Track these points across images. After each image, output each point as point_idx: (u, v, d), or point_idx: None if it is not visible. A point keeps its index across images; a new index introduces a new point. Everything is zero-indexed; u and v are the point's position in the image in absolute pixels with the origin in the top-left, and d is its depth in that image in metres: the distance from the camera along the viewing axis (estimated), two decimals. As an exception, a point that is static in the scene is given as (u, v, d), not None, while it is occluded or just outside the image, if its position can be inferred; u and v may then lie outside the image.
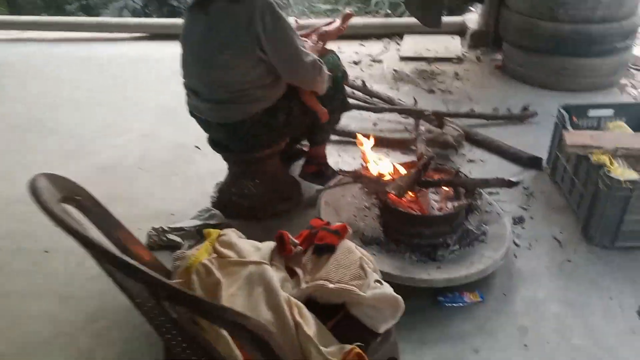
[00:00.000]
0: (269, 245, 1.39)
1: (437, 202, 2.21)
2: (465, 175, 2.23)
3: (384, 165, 2.19)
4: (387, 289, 1.27)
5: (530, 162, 2.72)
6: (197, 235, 2.34)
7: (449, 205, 2.16)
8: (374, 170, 2.17)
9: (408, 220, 2.04)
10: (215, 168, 2.45)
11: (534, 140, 2.90)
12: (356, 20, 4.73)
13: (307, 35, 2.45)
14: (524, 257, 2.14)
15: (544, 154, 2.72)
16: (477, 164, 2.78)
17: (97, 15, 11.65)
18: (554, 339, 1.75)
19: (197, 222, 2.39)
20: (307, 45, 2.42)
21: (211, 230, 1.41)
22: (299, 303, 1.23)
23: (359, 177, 2.15)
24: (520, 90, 3.57)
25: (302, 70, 2.09)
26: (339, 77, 2.41)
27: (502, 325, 1.81)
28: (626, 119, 2.55)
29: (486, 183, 2.10)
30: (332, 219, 2.19)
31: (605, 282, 1.98)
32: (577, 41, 3.30)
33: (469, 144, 2.96)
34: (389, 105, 3.32)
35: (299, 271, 1.34)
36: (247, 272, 1.28)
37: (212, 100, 2.15)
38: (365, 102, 3.36)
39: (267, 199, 2.47)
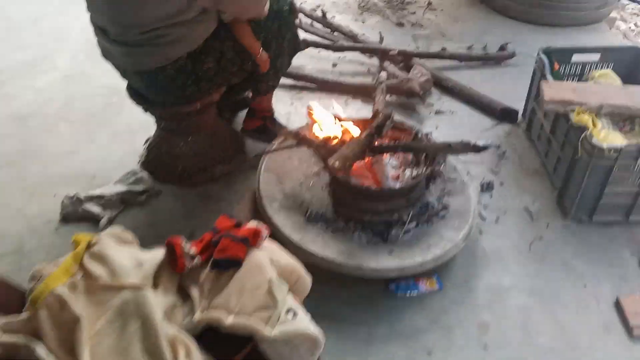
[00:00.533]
0: (156, 257, 1.09)
1: (394, 168, 1.92)
2: (426, 136, 1.93)
3: (332, 125, 1.86)
4: (302, 322, 0.99)
5: (503, 114, 2.42)
6: (119, 204, 2.04)
7: (407, 172, 1.88)
8: (320, 132, 1.85)
9: (358, 194, 1.76)
10: (151, 120, 2.09)
11: (511, 86, 2.59)
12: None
13: None
14: (490, 233, 1.89)
15: (520, 105, 2.42)
16: (445, 116, 2.47)
17: None
18: (517, 338, 1.54)
19: (121, 188, 2.07)
20: None
21: (79, 236, 1.09)
22: (188, 341, 0.96)
23: (302, 139, 1.82)
24: (500, 25, 3.19)
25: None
26: (286, 10, 1.99)
27: (460, 321, 1.59)
28: (614, 65, 2.24)
29: (449, 148, 1.79)
30: (274, 188, 1.90)
31: (579, 266, 1.76)
32: (564, -32, 2.90)
33: (439, 90, 2.62)
34: (351, 42, 2.92)
35: (195, 293, 1.05)
36: (120, 300, 0.98)
37: (123, 42, 1.75)
38: (324, 37, 2.95)
39: (203, 160, 2.14)
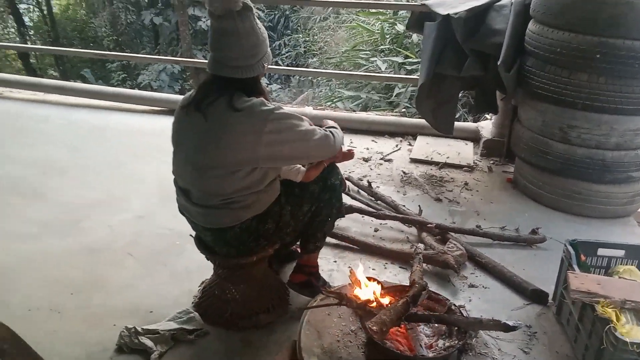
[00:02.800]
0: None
1: (428, 336, 2.06)
2: (460, 310, 2.09)
3: (372, 289, 2.06)
4: None
5: (534, 295, 2.55)
6: (170, 340, 2.21)
7: (440, 343, 2.01)
8: (360, 294, 2.04)
9: (392, 359, 1.88)
10: (206, 264, 2.34)
11: (541, 269, 2.75)
12: (370, 116, 4.77)
13: None
14: (520, 412, 1.94)
15: (550, 287, 2.56)
16: (478, 290, 2.63)
17: (137, 75, 12.15)
18: None
19: (173, 325, 2.26)
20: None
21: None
22: None
23: (344, 298, 2.01)
24: (531, 209, 3.45)
25: (319, 151, 2.14)
26: (337, 184, 2.35)
27: None
28: (638, 263, 2.41)
29: (480, 324, 1.95)
30: (314, 342, 2.05)
31: None
32: (589, 166, 3.21)
33: (472, 265, 2.81)
34: (393, 211, 3.23)
35: None
36: None
37: (202, 205, 2.09)
38: (368, 204, 3.27)
39: (250, 307, 2.34)
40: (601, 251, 2.43)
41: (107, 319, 2.32)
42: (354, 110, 6.07)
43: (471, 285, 2.65)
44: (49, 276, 2.59)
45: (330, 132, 2.19)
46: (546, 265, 2.75)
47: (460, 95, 5.91)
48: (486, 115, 4.74)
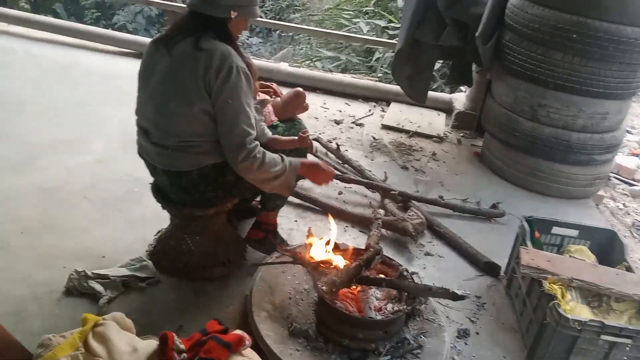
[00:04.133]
0: (150, 345, 1.23)
1: (378, 299, 2.08)
2: (411, 275, 2.11)
3: (326, 249, 2.06)
4: None
5: (487, 267, 2.60)
6: (121, 286, 2.18)
7: (389, 307, 2.04)
8: (315, 254, 2.03)
9: (340, 319, 1.90)
10: (163, 213, 2.30)
11: (497, 242, 2.80)
12: (345, 78, 4.69)
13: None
14: (460, 379, 2.00)
15: (503, 261, 2.62)
16: (433, 259, 2.66)
17: (112, 15, 11.64)
18: None
19: (125, 272, 2.23)
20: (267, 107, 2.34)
21: (89, 316, 1.24)
22: None
23: (298, 258, 2.01)
24: (494, 184, 3.49)
25: (229, 141, 1.95)
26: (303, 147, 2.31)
27: None
28: (590, 243, 2.47)
29: (429, 291, 1.97)
30: (265, 298, 2.05)
31: None
32: (554, 146, 3.24)
33: (430, 234, 2.85)
34: (358, 176, 3.22)
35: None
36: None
37: (160, 144, 2.03)
38: (335, 167, 3.25)
39: (205, 259, 2.32)
40: (555, 229, 2.48)
41: (56, 261, 2.27)
42: (331, 71, 5.99)
43: (427, 254, 2.69)
44: (1, 214, 2.50)
45: (262, 156, 1.96)
46: (502, 239, 2.80)
47: (438, 65, 5.90)
48: (461, 88, 4.72)
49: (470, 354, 2.12)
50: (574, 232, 2.47)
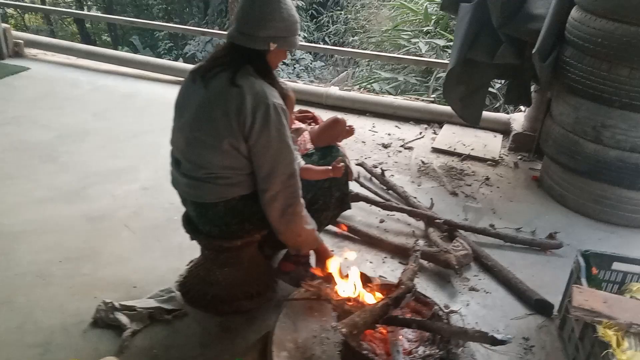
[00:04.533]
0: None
1: (410, 341, 1.93)
2: (447, 315, 1.94)
3: (353, 286, 1.94)
4: None
5: (538, 306, 2.37)
6: (146, 319, 2.16)
7: (421, 350, 1.88)
8: (340, 290, 1.92)
9: (363, 363, 1.77)
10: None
11: (552, 278, 2.54)
12: (396, 100, 4.57)
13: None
14: None
15: (558, 298, 2.37)
16: (479, 294, 2.46)
17: (184, 45, 12.22)
18: None
19: (152, 303, 2.22)
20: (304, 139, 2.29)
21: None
22: None
23: (322, 293, 1.91)
24: (554, 212, 3.22)
25: (285, 168, 1.94)
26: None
27: None
28: (658, 281, 2.19)
29: (465, 334, 1.80)
30: (288, 336, 1.95)
31: None
32: (621, 170, 2.94)
33: (477, 267, 2.64)
34: (403, 203, 3.07)
35: None
36: None
37: (189, 175, 2.03)
38: (377, 193, 3.12)
39: (233, 292, 2.27)
40: (616, 265, 2.22)
41: (90, 291, 2.31)
42: (389, 93, 5.88)
43: (472, 289, 2.49)
44: (44, 243, 2.60)
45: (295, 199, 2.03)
46: (558, 273, 2.54)
47: (499, 84, 5.63)
48: (521, 108, 4.45)
49: (512, 406, 1.91)
50: (638, 269, 2.19)
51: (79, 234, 2.70)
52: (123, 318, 2.13)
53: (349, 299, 1.90)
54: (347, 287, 1.94)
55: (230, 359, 1.98)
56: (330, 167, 2.13)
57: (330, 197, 2.27)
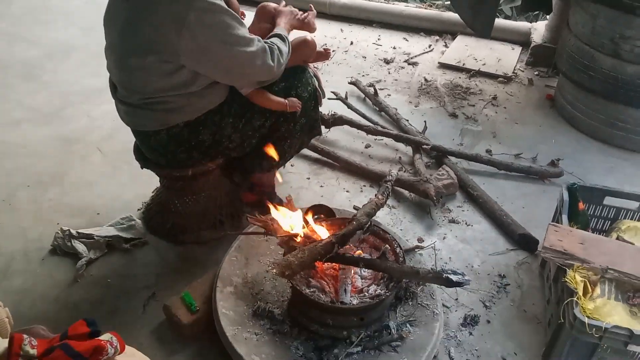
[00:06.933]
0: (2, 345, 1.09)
1: (364, 279, 1.81)
2: (403, 254, 1.79)
3: (299, 220, 1.79)
4: None
5: (521, 241, 2.18)
6: (104, 247, 2.12)
7: (372, 289, 1.75)
8: (285, 224, 1.78)
9: (304, 302, 1.67)
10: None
11: (545, 210, 2.30)
12: (407, 9, 4.15)
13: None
14: (448, 379, 1.70)
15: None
16: (458, 227, 2.29)
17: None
18: None
19: (112, 232, 2.16)
20: (286, 11, 2.02)
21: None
22: None
23: (268, 228, 1.78)
24: (564, 135, 2.92)
25: (252, 68, 1.75)
26: (305, 97, 2.00)
27: None
28: (656, 218, 1.95)
29: (417, 275, 1.65)
30: (236, 271, 1.87)
31: None
32: (640, 89, 2.60)
33: (463, 197, 2.44)
34: (394, 126, 2.85)
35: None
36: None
37: (126, 103, 1.86)
38: (364, 116, 2.88)
39: (194, 221, 2.17)
40: (609, 200, 1.98)
41: (54, 216, 2.27)
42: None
43: (452, 221, 2.31)
44: (15, 165, 2.55)
45: (271, 46, 1.79)
46: (553, 205, 2.30)
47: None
48: (547, 17, 3.97)
49: (471, 347, 1.79)
50: (634, 205, 1.95)
51: (51, 156, 2.64)
52: (80, 246, 2.08)
53: (296, 235, 1.76)
54: (295, 222, 1.79)
55: (184, 290, 1.92)
56: (286, 101, 1.92)
57: (294, 123, 2.06)
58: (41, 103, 3.05)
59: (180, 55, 1.67)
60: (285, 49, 1.85)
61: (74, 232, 2.12)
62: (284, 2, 2.08)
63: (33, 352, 1.05)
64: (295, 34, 2.02)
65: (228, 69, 1.75)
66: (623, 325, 1.47)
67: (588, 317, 1.49)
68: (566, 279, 1.60)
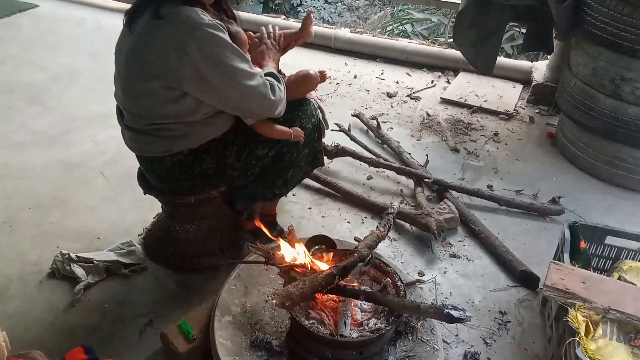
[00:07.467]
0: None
1: (364, 312, 1.79)
2: (404, 287, 1.77)
3: (301, 252, 1.79)
4: None
5: (522, 277, 2.17)
6: (103, 272, 2.10)
7: (372, 323, 1.74)
8: (288, 254, 1.77)
9: (303, 334, 1.65)
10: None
11: (547, 247, 2.30)
12: (410, 45, 4.23)
13: (259, 40, 2.04)
14: (444, 417, 1.67)
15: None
16: (459, 262, 2.28)
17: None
18: None
19: (111, 257, 2.15)
20: (264, 50, 2.02)
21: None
22: None
23: (270, 257, 1.77)
24: (564, 174, 2.93)
25: (251, 102, 1.76)
26: (308, 128, 2.02)
27: None
28: (658, 259, 1.95)
29: (417, 310, 1.63)
30: (235, 300, 1.85)
31: None
32: (640, 129, 2.62)
33: (464, 232, 2.44)
34: (396, 159, 2.87)
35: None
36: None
37: (131, 127, 1.88)
38: (366, 148, 2.91)
39: (194, 249, 2.17)
40: (610, 239, 1.98)
41: (53, 240, 2.26)
42: (426, 38, 5.47)
43: (453, 255, 2.31)
44: (17, 188, 2.55)
45: (272, 82, 1.81)
46: (554, 243, 2.31)
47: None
48: (548, 56, 4.05)
49: (472, 386, 1.77)
50: (636, 245, 1.95)
51: (54, 180, 2.64)
52: (79, 270, 2.07)
53: (297, 266, 1.75)
54: (296, 253, 1.79)
55: (181, 318, 1.90)
56: (290, 131, 1.94)
57: (298, 153, 2.07)
58: (45, 127, 3.07)
59: (183, 82, 1.69)
60: (282, 87, 1.86)
61: (73, 255, 2.11)
62: (263, 29, 2.08)
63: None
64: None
65: (228, 100, 1.76)
66: (626, 367, 1.45)
67: (590, 357, 1.48)
68: (568, 318, 1.58)
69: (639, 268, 1.85)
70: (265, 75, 1.84)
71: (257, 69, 1.79)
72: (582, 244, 1.91)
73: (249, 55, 1.87)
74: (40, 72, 3.70)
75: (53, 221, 2.38)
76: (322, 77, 2.16)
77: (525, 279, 2.16)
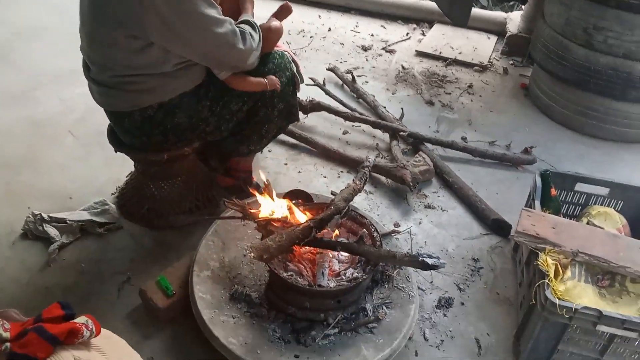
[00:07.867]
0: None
1: (341, 262, 1.82)
2: (380, 238, 1.80)
3: (280, 204, 1.79)
4: None
5: (495, 226, 2.22)
6: (77, 232, 2.08)
7: (349, 272, 1.77)
8: (265, 208, 1.78)
9: (282, 285, 1.67)
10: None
11: (518, 196, 2.35)
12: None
13: None
14: (426, 357, 1.72)
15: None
16: (434, 212, 2.32)
17: None
18: None
19: (85, 216, 2.12)
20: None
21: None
22: None
23: (246, 212, 1.77)
24: (537, 124, 2.97)
25: (221, 51, 1.71)
26: (283, 82, 1.98)
27: None
28: (624, 204, 2.01)
29: (393, 258, 1.67)
30: (213, 255, 1.86)
31: None
32: (612, 78, 2.64)
33: (439, 183, 2.47)
34: (372, 113, 2.86)
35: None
36: None
37: (97, 81, 1.82)
38: (342, 102, 2.89)
39: (169, 206, 2.15)
40: (580, 186, 2.03)
41: (25, 200, 2.21)
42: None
43: (428, 206, 2.34)
44: (-16, 148, 2.48)
45: (243, 30, 1.74)
46: (526, 192, 2.36)
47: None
48: (522, 7, 4.02)
49: (446, 328, 1.83)
50: (604, 191, 2.01)
51: (22, 139, 2.56)
52: (52, 230, 2.04)
53: (274, 219, 1.76)
54: (273, 206, 1.79)
55: (159, 274, 1.90)
56: (265, 80, 1.89)
57: (272, 108, 2.04)
58: (9, 84, 2.95)
59: (147, 30, 1.62)
60: (256, 35, 1.81)
61: (45, 216, 2.07)
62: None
63: (6, 335, 1.03)
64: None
65: (195, 48, 1.70)
66: (592, 306, 1.51)
67: (559, 298, 1.54)
68: (538, 262, 1.63)
69: (607, 213, 1.91)
70: (241, 22, 1.79)
71: (226, 17, 1.73)
72: (553, 191, 1.96)
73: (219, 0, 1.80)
74: (2, 27, 3.53)
75: (23, 181, 2.32)
76: (287, 9, 2.05)
77: (498, 227, 2.22)
